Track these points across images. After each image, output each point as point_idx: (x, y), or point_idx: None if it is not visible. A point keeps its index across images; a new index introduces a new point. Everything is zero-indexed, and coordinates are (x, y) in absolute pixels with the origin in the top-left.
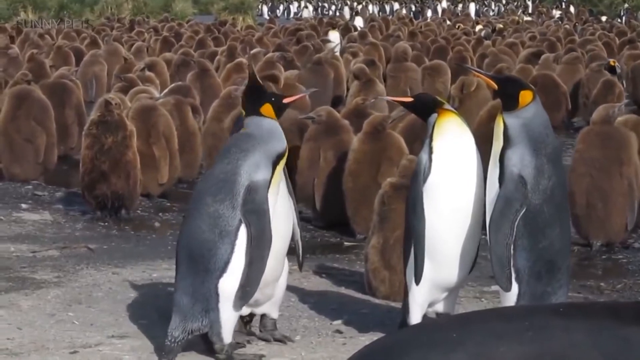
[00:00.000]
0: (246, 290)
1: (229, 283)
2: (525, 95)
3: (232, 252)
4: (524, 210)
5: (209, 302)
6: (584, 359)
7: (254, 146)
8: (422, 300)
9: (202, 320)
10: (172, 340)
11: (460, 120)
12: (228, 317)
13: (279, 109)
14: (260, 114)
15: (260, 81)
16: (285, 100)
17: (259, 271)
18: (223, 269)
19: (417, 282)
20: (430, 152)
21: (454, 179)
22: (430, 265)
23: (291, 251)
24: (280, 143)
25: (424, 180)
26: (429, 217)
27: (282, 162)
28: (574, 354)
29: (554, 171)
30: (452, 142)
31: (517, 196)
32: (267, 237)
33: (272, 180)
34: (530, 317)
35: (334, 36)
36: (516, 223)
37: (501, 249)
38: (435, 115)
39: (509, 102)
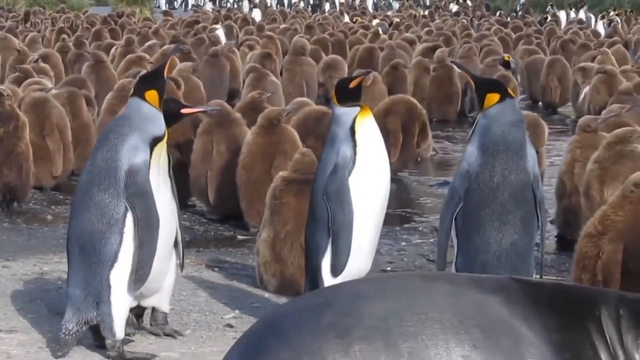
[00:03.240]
0: (139, 273)
1: (120, 274)
2: (490, 98)
3: (121, 241)
4: (461, 204)
5: (101, 295)
6: (440, 317)
7: (130, 129)
8: None
9: (94, 312)
10: (67, 332)
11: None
12: (120, 310)
13: (174, 116)
14: (143, 98)
15: (165, 77)
16: (183, 111)
17: (150, 253)
18: (114, 260)
19: (337, 274)
20: (354, 145)
21: (377, 171)
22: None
23: (187, 245)
24: (157, 127)
25: (349, 173)
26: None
27: (161, 145)
28: (432, 312)
29: (503, 172)
30: (372, 136)
31: (460, 190)
32: (154, 218)
33: (152, 162)
34: (394, 280)
35: (219, 32)
36: (454, 216)
37: (441, 238)
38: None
39: (480, 102)
